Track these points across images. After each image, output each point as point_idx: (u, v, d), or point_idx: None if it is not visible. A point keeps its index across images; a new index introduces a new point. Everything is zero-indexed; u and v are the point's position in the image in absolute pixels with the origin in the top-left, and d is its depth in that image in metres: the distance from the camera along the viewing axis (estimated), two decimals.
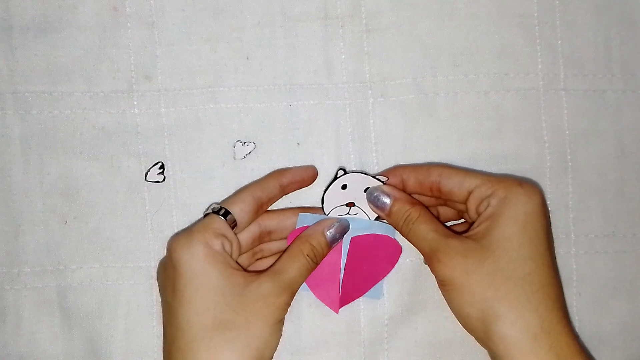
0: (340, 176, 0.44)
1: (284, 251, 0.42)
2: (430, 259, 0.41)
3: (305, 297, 0.45)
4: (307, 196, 0.45)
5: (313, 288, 0.44)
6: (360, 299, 0.45)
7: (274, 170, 0.45)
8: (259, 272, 0.41)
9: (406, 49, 0.46)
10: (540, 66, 0.46)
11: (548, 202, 0.46)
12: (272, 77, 0.46)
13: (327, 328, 0.45)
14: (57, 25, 0.45)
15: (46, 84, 0.45)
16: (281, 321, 0.40)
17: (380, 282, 0.45)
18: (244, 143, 0.46)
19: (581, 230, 0.46)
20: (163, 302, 0.42)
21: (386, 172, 0.45)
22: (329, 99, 0.46)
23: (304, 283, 0.42)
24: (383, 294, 0.45)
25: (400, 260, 0.45)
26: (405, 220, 0.42)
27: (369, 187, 0.44)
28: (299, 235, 0.43)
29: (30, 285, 0.45)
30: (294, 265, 0.41)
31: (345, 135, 0.46)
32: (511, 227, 0.39)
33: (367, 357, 0.46)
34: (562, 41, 0.46)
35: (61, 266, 0.45)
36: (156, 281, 0.45)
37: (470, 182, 0.42)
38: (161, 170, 0.46)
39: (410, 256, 0.45)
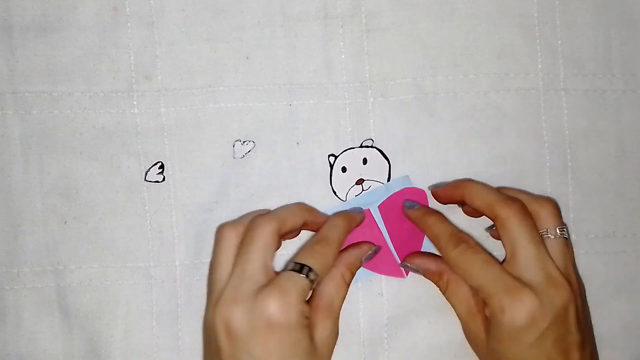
0: (334, 162, 0.45)
1: (327, 277, 0.41)
2: None
3: None
4: (306, 198, 0.46)
5: (373, 268, 0.45)
6: (360, 299, 0.45)
7: (344, 217, 0.43)
8: (315, 315, 0.40)
9: (406, 49, 0.46)
10: (540, 66, 0.46)
11: None
12: (272, 77, 0.46)
13: None
14: (57, 25, 0.45)
15: (46, 84, 0.45)
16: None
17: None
18: (244, 142, 0.46)
19: (581, 230, 0.46)
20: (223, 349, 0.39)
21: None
22: (328, 98, 0.46)
23: (365, 269, 0.44)
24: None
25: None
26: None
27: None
28: (339, 260, 0.42)
29: (30, 285, 0.45)
30: (340, 296, 0.41)
31: (345, 135, 0.46)
32: (508, 344, 0.39)
33: (367, 357, 0.46)
34: (562, 41, 0.46)
35: (61, 266, 0.45)
36: (160, 286, 0.45)
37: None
38: (161, 170, 0.45)
39: None
